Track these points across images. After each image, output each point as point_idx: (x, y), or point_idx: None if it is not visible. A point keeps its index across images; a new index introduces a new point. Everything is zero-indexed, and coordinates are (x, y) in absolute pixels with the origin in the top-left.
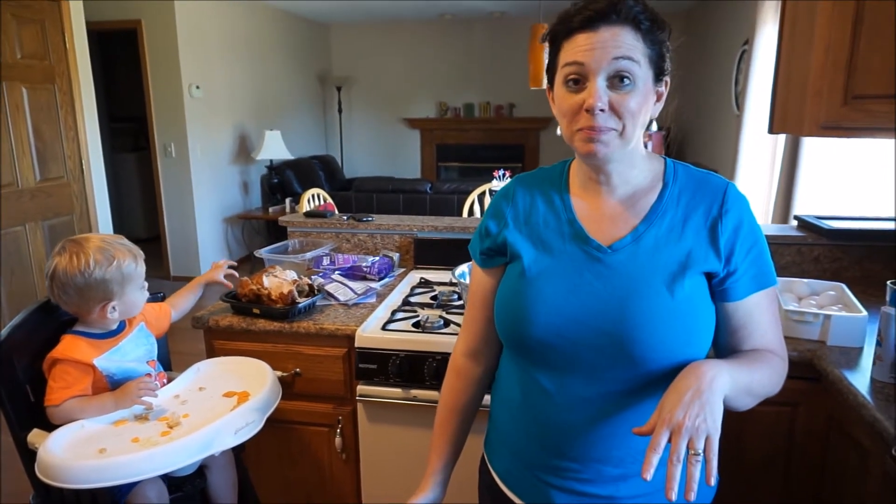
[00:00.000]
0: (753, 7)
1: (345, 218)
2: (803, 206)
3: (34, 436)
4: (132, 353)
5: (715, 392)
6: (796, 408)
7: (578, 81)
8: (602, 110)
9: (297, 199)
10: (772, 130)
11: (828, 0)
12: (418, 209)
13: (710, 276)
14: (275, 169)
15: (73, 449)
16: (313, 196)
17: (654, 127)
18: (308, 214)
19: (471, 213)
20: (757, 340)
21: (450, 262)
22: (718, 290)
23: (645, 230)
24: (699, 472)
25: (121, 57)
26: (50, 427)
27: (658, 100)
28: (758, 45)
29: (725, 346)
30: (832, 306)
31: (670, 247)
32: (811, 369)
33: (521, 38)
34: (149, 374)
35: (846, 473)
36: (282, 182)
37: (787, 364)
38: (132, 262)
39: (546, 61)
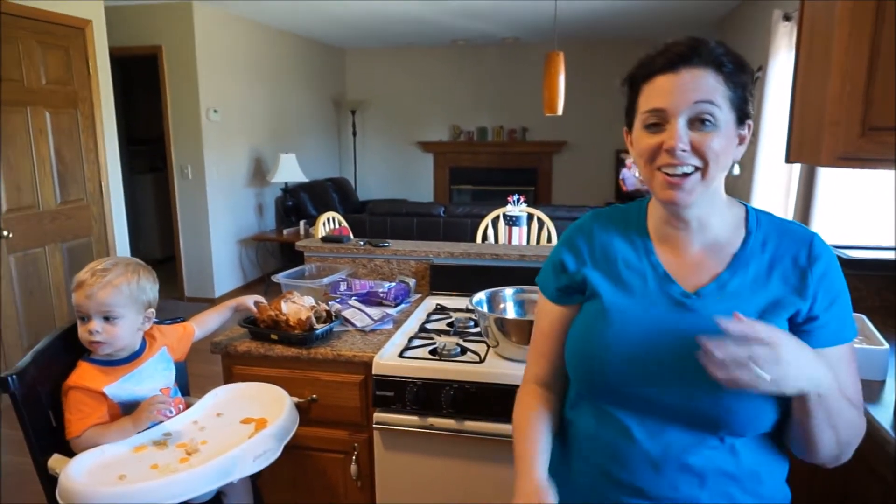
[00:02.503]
0: (767, 34)
1: (361, 243)
2: (820, 234)
3: (54, 461)
4: (151, 378)
5: (804, 363)
6: None
7: (658, 125)
8: (684, 150)
9: (311, 222)
10: (789, 160)
11: (844, 31)
12: (432, 233)
13: (792, 321)
14: (289, 191)
15: (93, 475)
16: (328, 220)
17: (737, 170)
18: (325, 239)
19: (484, 238)
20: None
21: (466, 289)
22: (802, 333)
23: (730, 278)
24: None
25: (139, 79)
26: (69, 452)
27: (741, 143)
28: (771, 72)
29: None
30: (854, 339)
31: (757, 294)
32: None
33: (534, 62)
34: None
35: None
36: (296, 204)
37: (865, 423)
38: (92, 289)
39: (626, 104)
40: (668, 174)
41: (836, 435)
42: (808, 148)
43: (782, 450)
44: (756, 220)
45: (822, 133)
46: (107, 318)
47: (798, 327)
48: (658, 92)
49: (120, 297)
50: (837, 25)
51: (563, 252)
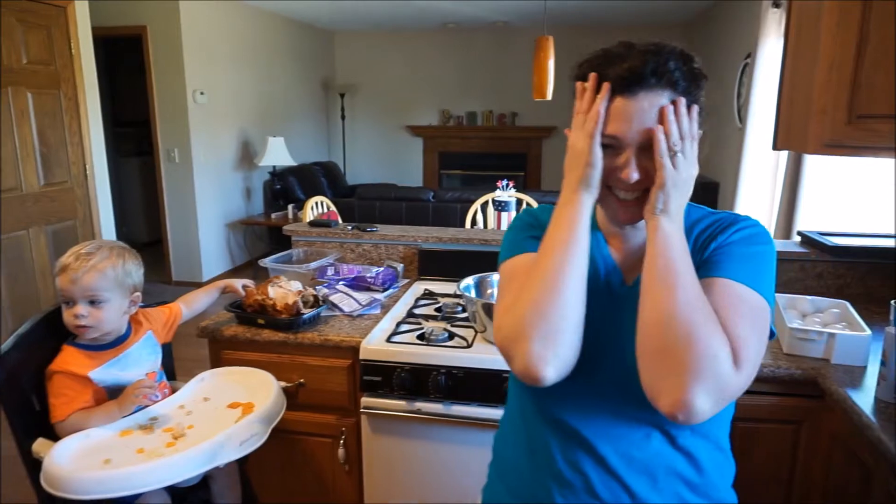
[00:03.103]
0: (756, 20)
1: (349, 228)
2: (806, 221)
3: (39, 445)
4: (137, 363)
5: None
6: (799, 425)
7: (613, 147)
8: (638, 180)
9: (299, 206)
10: (776, 147)
11: (832, 18)
12: (421, 218)
13: None
14: (277, 175)
15: (78, 460)
16: (316, 204)
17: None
18: (312, 224)
19: (473, 223)
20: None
21: (454, 274)
22: (701, 264)
23: None
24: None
25: (125, 62)
26: (54, 436)
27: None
28: (760, 59)
29: None
30: (836, 324)
31: None
32: (815, 387)
33: (524, 47)
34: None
35: (849, 493)
36: (284, 188)
37: (743, 366)
38: (76, 273)
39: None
40: (620, 198)
41: (671, 308)
42: (795, 135)
43: (728, 454)
44: (687, 215)
45: (810, 120)
46: (92, 303)
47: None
48: (614, 116)
49: (105, 282)
50: (825, 13)
51: (526, 222)
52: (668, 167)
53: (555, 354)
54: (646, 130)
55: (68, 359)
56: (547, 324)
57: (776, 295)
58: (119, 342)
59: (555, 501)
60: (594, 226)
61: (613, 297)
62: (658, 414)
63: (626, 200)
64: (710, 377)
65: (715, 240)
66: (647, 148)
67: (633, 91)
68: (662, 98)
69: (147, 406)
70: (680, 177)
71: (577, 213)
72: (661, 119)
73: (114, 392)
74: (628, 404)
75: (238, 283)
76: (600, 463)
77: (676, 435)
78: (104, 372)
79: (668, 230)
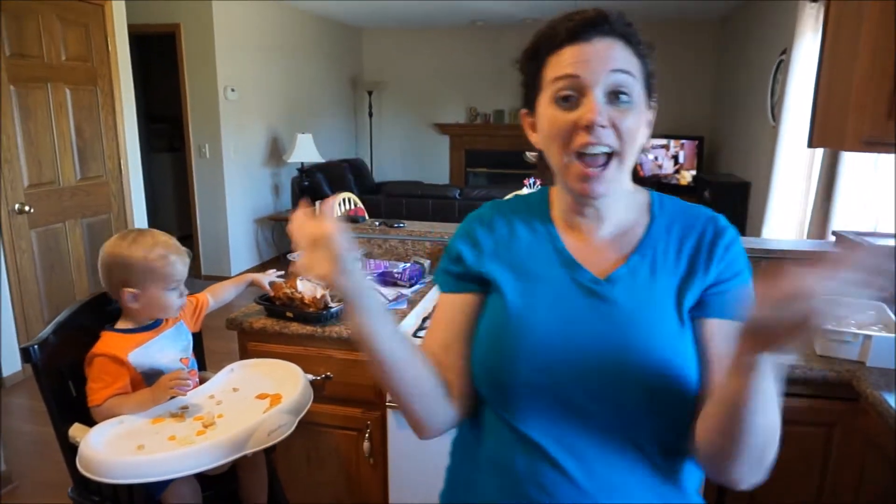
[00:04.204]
0: (793, 15)
1: (377, 224)
2: (841, 221)
3: (75, 430)
4: (168, 348)
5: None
6: (832, 428)
7: (571, 98)
8: (603, 126)
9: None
10: (811, 144)
11: (874, 12)
12: (447, 215)
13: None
14: (305, 172)
15: (112, 445)
16: (344, 200)
17: (650, 157)
18: (340, 219)
19: None
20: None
21: None
22: (701, 304)
23: (640, 261)
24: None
25: (157, 58)
26: (89, 422)
27: (647, 126)
28: (796, 55)
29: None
30: (872, 326)
31: (669, 276)
32: (849, 390)
33: None
34: (180, 369)
35: (882, 497)
36: (312, 185)
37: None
38: (163, 259)
39: (524, 82)
40: (585, 163)
41: (765, 423)
42: (832, 132)
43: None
44: (660, 205)
45: (848, 117)
46: None
47: (701, 298)
48: (570, 61)
49: None
50: (867, 8)
51: (460, 243)
52: (822, 316)
53: (424, 424)
54: (608, 72)
55: (109, 342)
56: (402, 407)
57: None
58: (156, 325)
59: None
60: (546, 218)
61: (585, 297)
62: (635, 429)
63: (593, 160)
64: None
65: (706, 255)
66: (608, 95)
67: (586, 36)
68: (617, 46)
69: (178, 396)
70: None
71: (361, 332)
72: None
73: (149, 377)
74: (602, 416)
75: (265, 279)
76: (570, 481)
77: (651, 452)
78: (142, 353)
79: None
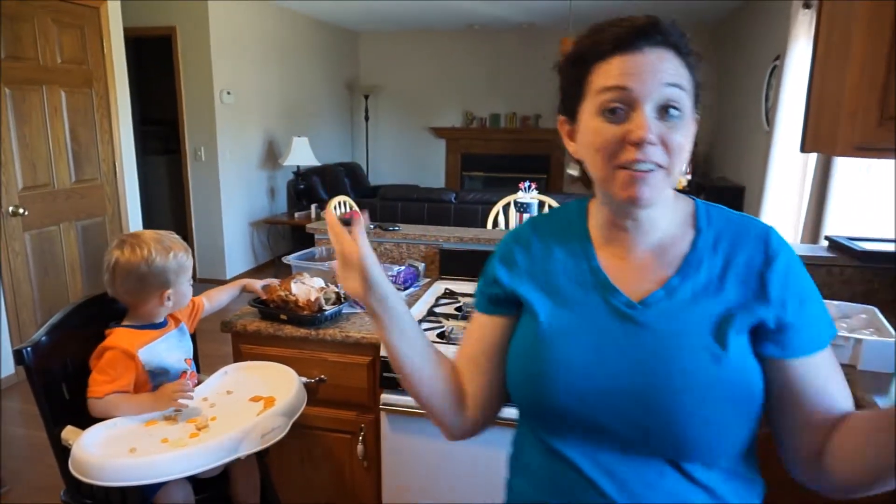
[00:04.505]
0: (786, 21)
1: (371, 226)
2: (834, 226)
3: (67, 432)
4: (174, 348)
5: None
6: None
7: (619, 111)
8: (652, 144)
9: (322, 206)
10: (804, 149)
11: (864, 18)
12: (443, 218)
13: (758, 331)
14: (301, 175)
15: (105, 447)
16: (339, 203)
17: (687, 172)
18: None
19: (495, 224)
20: (827, 401)
21: (475, 274)
22: (773, 343)
23: (679, 283)
24: None
25: (153, 61)
26: (82, 425)
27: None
28: (789, 60)
29: (796, 413)
30: (863, 330)
31: (709, 301)
32: None
33: (549, 48)
34: (184, 374)
35: (872, 502)
36: (308, 188)
37: None
38: (185, 254)
39: (564, 88)
40: (631, 170)
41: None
42: (824, 137)
43: (757, 473)
44: (707, 217)
45: (839, 122)
46: None
47: (769, 339)
48: (619, 72)
49: None
50: (858, 14)
51: (497, 265)
52: None
53: (444, 428)
54: (661, 86)
55: (122, 337)
56: (423, 408)
57: None
58: (163, 325)
59: None
60: (584, 234)
61: (619, 321)
62: (672, 452)
63: (639, 172)
64: None
65: (758, 285)
66: (660, 111)
67: (636, 46)
68: (669, 56)
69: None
70: None
71: (383, 343)
72: None
73: (155, 375)
74: (638, 439)
75: (258, 284)
76: (606, 501)
77: (691, 470)
78: (150, 351)
79: None
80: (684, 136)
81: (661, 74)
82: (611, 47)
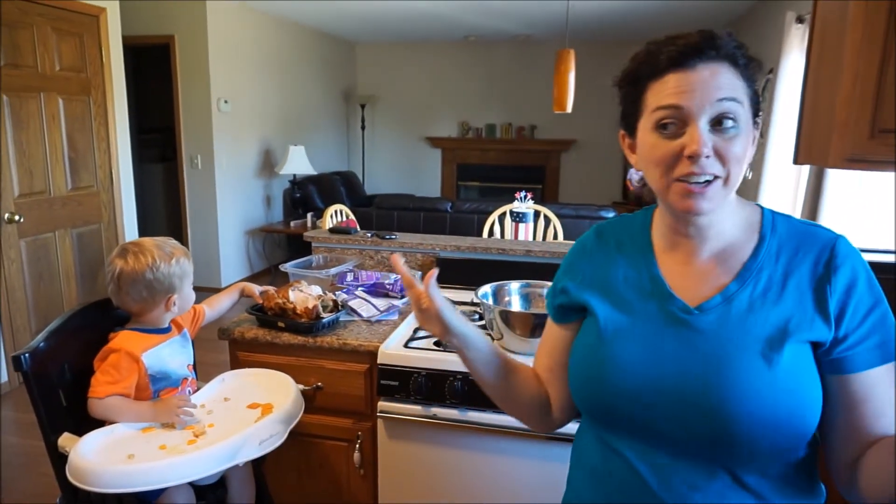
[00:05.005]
0: (779, 35)
1: (368, 235)
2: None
3: (64, 439)
4: (177, 354)
5: None
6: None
7: (672, 126)
8: (707, 157)
9: (318, 214)
10: (797, 161)
11: (856, 32)
12: (438, 228)
13: (816, 345)
14: (297, 184)
15: (103, 454)
16: (336, 212)
17: (749, 173)
18: (332, 230)
19: (490, 233)
20: (883, 421)
21: (471, 282)
22: (828, 360)
23: (738, 290)
24: None
25: (151, 69)
26: (79, 431)
27: (753, 142)
28: (782, 74)
29: (843, 424)
30: None
31: (767, 310)
32: None
33: (545, 60)
34: (185, 380)
35: None
36: (304, 197)
37: None
38: (186, 259)
39: (623, 104)
40: (688, 183)
41: None
42: (816, 149)
43: (814, 480)
44: (771, 225)
45: (831, 135)
46: None
47: (830, 353)
48: (673, 90)
49: None
50: (850, 27)
51: (564, 276)
52: None
53: (529, 425)
54: (714, 102)
55: (127, 339)
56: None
57: None
58: (167, 330)
59: None
60: (646, 242)
61: (674, 327)
62: (724, 458)
63: (696, 185)
64: None
65: (818, 295)
66: (713, 122)
67: (690, 63)
68: (723, 70)
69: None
70: None
71: (466, 366)
72: None
73: (157, 380)
74: (690, 444)
75: (256, 288)
76: (658, 502)
77: (742, 474)
78: (154, 355)
79: None
80: (742, 147)
81: (714, 91)
82: (664, 66)
